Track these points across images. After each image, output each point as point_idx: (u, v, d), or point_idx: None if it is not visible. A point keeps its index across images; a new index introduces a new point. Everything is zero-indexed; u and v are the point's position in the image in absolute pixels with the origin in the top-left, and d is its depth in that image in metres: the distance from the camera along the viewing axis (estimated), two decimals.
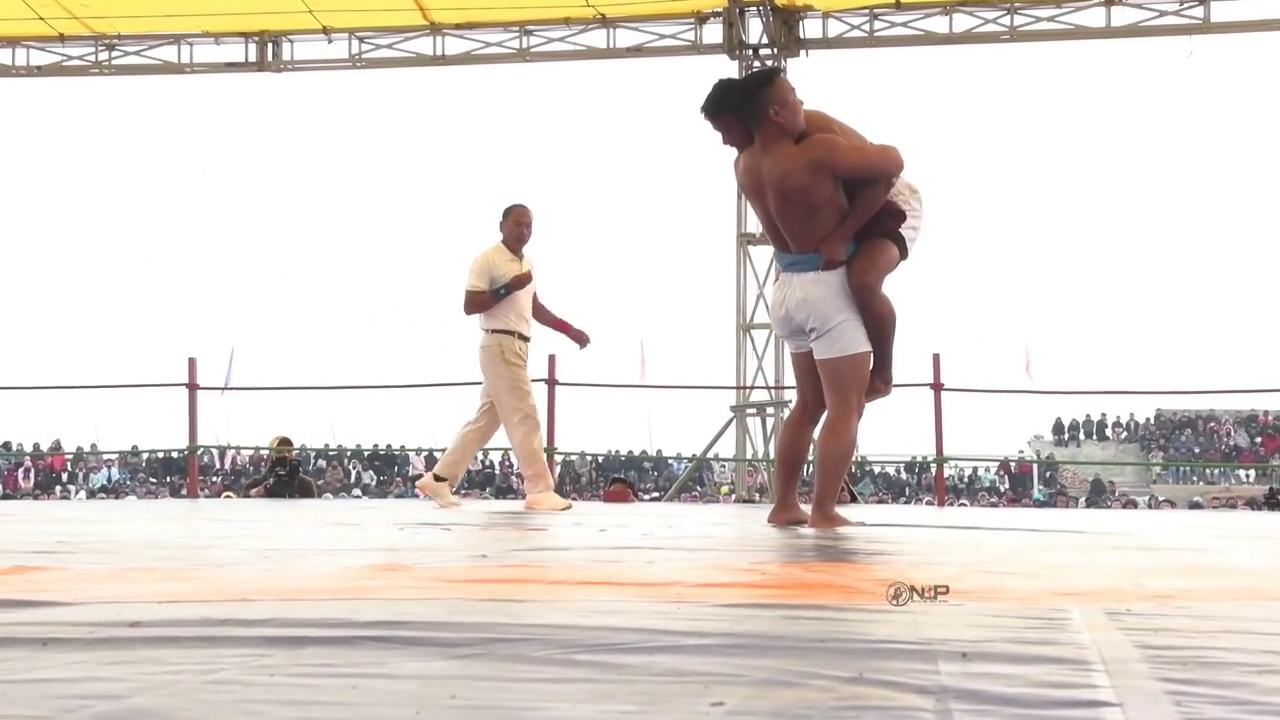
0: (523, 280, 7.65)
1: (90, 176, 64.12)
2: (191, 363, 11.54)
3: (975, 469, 34.18)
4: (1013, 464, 33.04)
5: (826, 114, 5.07)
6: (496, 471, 34.16)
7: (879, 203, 4.96)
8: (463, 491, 31.75)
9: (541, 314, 7.98)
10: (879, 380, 5.11)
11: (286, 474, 12.74)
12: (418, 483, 8.63)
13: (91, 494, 29.29)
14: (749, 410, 13.93)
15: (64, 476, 32.40)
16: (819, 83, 14.22)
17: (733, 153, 5.20)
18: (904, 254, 5.09)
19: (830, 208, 4.92)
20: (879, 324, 5.02)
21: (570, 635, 1.70)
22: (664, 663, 1.52)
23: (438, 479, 7.82)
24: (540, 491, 7.59)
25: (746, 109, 4.97)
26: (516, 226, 7.73)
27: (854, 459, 6.48)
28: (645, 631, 1.75)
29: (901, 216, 5.04)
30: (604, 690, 1.38)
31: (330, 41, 14.59)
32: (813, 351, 5.05)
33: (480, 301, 7.61)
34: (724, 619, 2.02)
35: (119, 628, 1.78)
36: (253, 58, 14.74)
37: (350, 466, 33.53)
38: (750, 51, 13.73)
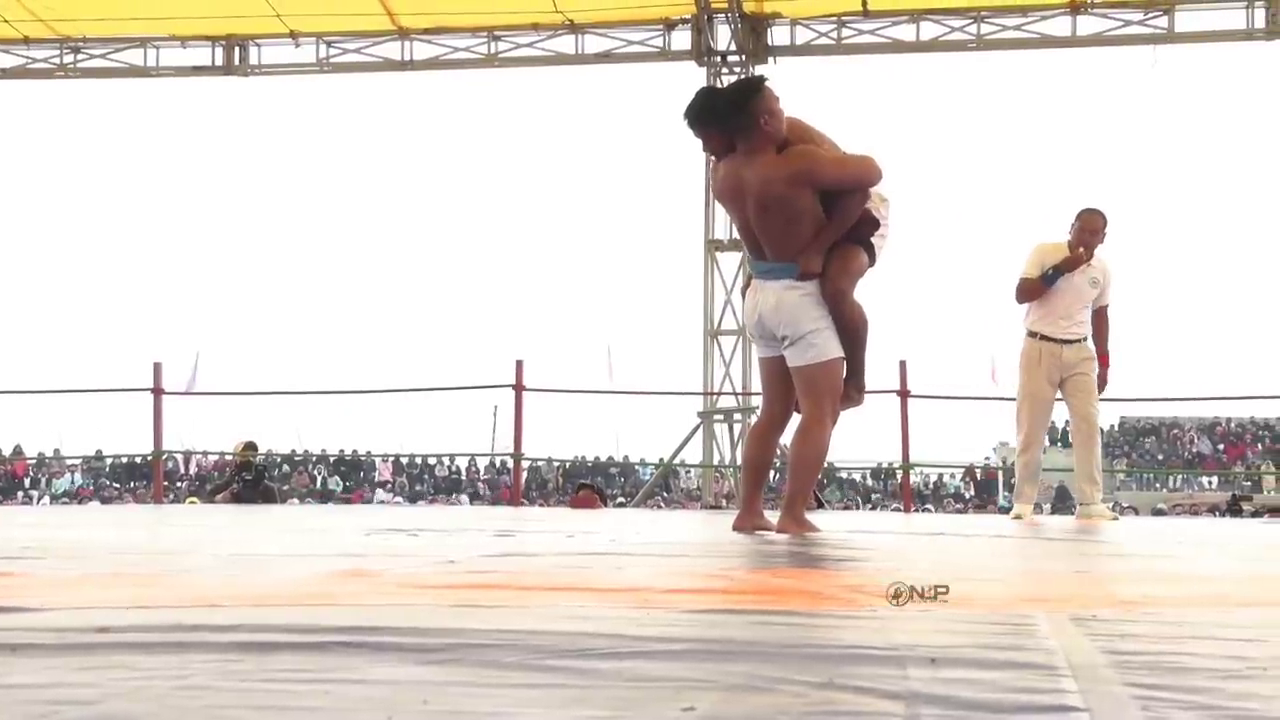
0: (1073, 262, 7.24)
1: (54, 180, 63.74)
2: (156, 367, 11.48)
3: (941, 475, 34.34)
4: (978, 470, 33.18)
5: (804, 122, 5.07)
6: (463, 477, 34.07)
7: (857, 213, 4.98)
8: (430, 497, 31.48)
9: (1099, 333, 7.51)
10: (852, 388, 5.12)
11: (252, 479, 12.68)
12: None
13: (54, 499, 29.08)
14: (716, 416, 13.95)
15: (26, 482, 32.16)
16: (788, 90, 14.26)
17: (704, 160, 5.20)
18: (872, 261, 5.12)
19: (808, 217, 4.93)
20: (851, 330, 5.04)
21: (541, 641, 1.71)
22: (635, 668, 1.53)
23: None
24: (1023, 502, 7.43)
25: (734, 119, 4.96)
26: (1082, 233, 7.32)
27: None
28: (616, 637, 1.75)
29: (876, 225, 5.07)
30: (576, 695, 1.38)
31: (297, 46, 14.56)
32: (785, 358, 5.06)
33: (1029, 289, 7.32)
34: (694, 624, 2.02)
35: (88, 633, 1.77)
36: (219, 61, 14.69)
37: (315, 472, 33.39)
38: (719, 58, 13.75)
